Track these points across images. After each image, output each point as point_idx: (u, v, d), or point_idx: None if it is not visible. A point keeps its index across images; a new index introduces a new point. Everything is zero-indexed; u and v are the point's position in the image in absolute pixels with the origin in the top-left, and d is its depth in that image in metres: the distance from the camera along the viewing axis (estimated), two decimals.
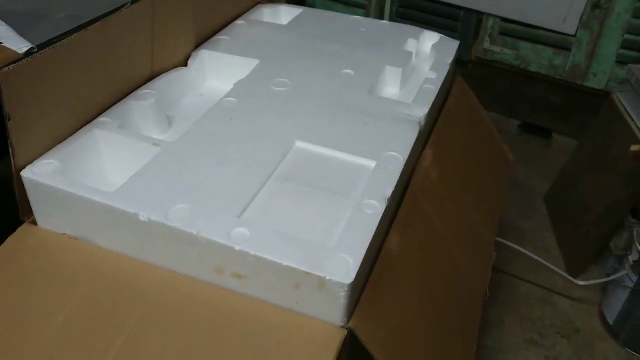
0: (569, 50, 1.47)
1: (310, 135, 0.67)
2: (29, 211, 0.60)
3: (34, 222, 0.61)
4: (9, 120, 0.54)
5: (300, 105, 0.72)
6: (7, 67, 0.53)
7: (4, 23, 0.59)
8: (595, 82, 1.48)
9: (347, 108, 0.72)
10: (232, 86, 0.76)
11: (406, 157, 0.64)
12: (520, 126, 1.69)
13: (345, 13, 1.01)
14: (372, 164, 0.63)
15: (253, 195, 0.58)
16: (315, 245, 0.52)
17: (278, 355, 0.49)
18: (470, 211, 0.83)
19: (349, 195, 0.60)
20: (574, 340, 1.10)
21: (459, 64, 1.05)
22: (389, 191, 0.59)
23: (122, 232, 0.56)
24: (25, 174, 0.58)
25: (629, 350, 1.08)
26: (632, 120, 1.15)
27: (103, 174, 0.66)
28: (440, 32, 0.94)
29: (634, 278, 1.03)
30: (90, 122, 0.66)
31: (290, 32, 0.91)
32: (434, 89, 0.78)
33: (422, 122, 0.72)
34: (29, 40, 0.56)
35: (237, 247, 0.51)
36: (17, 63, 0.54)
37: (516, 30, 1.53)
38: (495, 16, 1.53)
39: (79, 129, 0.65)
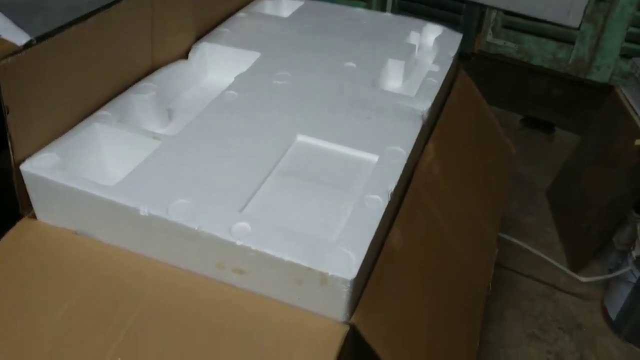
0: (573, 43, 1.46)
1: (312, 129, 0.67)
2: (29, 205, 0.60)
3: (34, 217, 0.60)
4: (8, 113, 0.54)
5: (301, 99, 0.72)
6: (5, 60, 0.52)
7: (2, 15, 0.58)
8: (599, 76, 1.47)
9: (349, 102, 0.72)
10: (233, 79, 0.75)
11: (409, 152, 0.64)
12: (523, 120, 1.68)
13: (347, 5, 1.00)
14: (374, 158, 0.63)
15: (254, 190, 0.58)
16: (317, 240, 0.51)
17: (280, 351, 0.49)
18: (473, 206, 0.83)
19: (351, 190, 0.60)
20: (576, 336, 1.09)
21: (462, 57, 1.04)
22: (391, 186, 0.59)
23: (122, 227, 0.56)
24: (24, 167, 0.58)
25: (631, 345, 1.07)
26: (636, 114, 1.14)
27: (103, 168, 0.65)
28: (443, 25, 0.93)
29: (637, 273, 1.02)
30: (90, 116, 0.65)
31: (291, 25, 0.91)
32: (437, 83, 0.78)
33: (425, 116, 0.71)
34: (27, 32, 0.56)
35: (238, 243, 0.51)
36: (15, 55, 0.53)
37: (519, 24, 1.51)
38: (499, 9, 1.52)
39: (78, 123, 0.64)
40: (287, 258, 0.49)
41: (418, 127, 0.69)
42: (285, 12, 0.99)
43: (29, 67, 0.55)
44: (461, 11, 1.57)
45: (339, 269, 0.49)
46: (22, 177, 0.58)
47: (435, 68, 0.81)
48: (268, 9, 0.99)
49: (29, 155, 0.59)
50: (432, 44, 0.91)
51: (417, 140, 0.67)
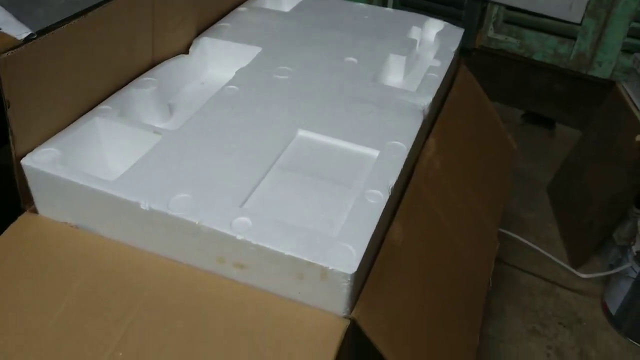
0: (575, 39, 1.46)
1: (312, 124, 0.66)
2: (30, 200, 0.60)
3: (35, 211, 0.60)
4: (8, 107, 0.54)
5: (302, 94, 0.72)
6: (6, 54, 0.52)
7: (3, 9, 0.58)
8: (601, 72, 1.47)
9: (350, 97, 0.72)
10: (234, 74, 0.75)
11: (410, 147, 0.64)
12: (524, 116, 1.68)
13: (348, 0, 1.00)
14: (375, 153, 0.63)
15: (255, 185, 0.58)
16: (317, 235, 0.51)
17: (280, 345, 0.49)
18: (474, 201, 0.83)
19: (352, 185, 0.60)
20: (576, 330, 1.10)
21: (463, 52, 1.04)
22: (392, 181, 0.58)
23: (123, 221, 0.56)
24: (25, 162, 0.58)
25: (630, 340, 1.08)
26: (638, 110, 1.14)
27: (104, 162, 0.65)
28: (445, 20, 0.93)
29: (637, 269, 1.03)
30: (91, 110, 0.65)
31: (292, 20, 0.90)
32: (438, 78, 0.77)
33: (426, 111, 0.71)
34: (28, 26, 0.55)
35: (239, 237, 0.51)
36: (16, 49, 0.53)
37: (521, 19, 1.51)
38: (500, 4, 1.52)
39: (79, 117, 0.64)
40: (287, 252, 0.50)
41: (419, 122, 0.68)
42: (286, 6, 0.99)
43: (30, 61, 0.55)
44: (463, 6, 1.57)
45: (340, 264, 0.49)
46: (23, 171, 0.58)
47: (437, 63, 0.81)
48: (269, 3, 0.99)
49: (30, 149, 0.59)
50: (433, 39, 0.91)
51: (418, 135, 0.67)
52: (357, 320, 0.51)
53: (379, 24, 0.90)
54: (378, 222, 0.54)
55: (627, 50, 1.40)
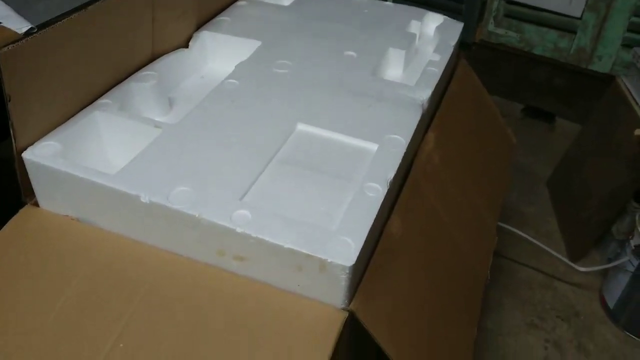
0: (575, 33, 1.46)
1: (312, 118, 0.67)
2: (31, 193, 0.60)
3: (36, 204, 0.61)
4: (9, 101, 0.54)
5: (302, 88, 0.72)
6: (6, 48, 0.52)
7: (3, 3, 0.58)
8: (600, 66, 1.47)
9: (349, 90, 0.72)
10: (233, 68, 0.75)
11: (409, 140, 0.64)
12: (524, 110, 1.68)
13: None
14: (374, 147, 0.63)
15: (255, 178, 0.58)
16: (316, 228, 0.52)
17: (279, 337, 0.50)
18: (473, 195, 0.83)
19: (350, 178, 0.60)
20: (574, 324, 1.10)
21: (463, 46, 1.04)
22: (391, 174, 0.59)
23: (123, 214, 0.56)
24: (26, 155, 0.58)
25: (628, 333, 1.08)
26: (637, 104, 1.14)
27: (104, 155, 0.65)
28: (445, 14, 0.93)
29: (635, 263, 1.03)
30: (91, 104, 0.66)
31: (292, 13, 0.90)
32: (437, 72, 0.77)
33: (425, 105, 0.72)
34: (29, 20, 0.56)
35: (238, 230, 0.51)
36: (17, 43, 0.53)
37: (521, 13, 1.51)
38: None
39: (79, 111, 0.64)
40: (286, 245, 0.50)
41: (418, 116, 0.69)
42: (286, 0, 0.99)
43: (30, 55, 0.55)
44: (463, 0, 1.56)
45: (338, 256, 0.49)
46: (24, 165, 0.58)
47: (436, 57, 0.81)
48: None
49: (31, 143, 0.59)
50: (432, 32, 0.91)
51: (417, 129, 0.68)
52: (356, 312, 0.51)
53: (378, 18, 0.90)
54: (376, 215, 0.54)
55: (627, 45, 1.40)
